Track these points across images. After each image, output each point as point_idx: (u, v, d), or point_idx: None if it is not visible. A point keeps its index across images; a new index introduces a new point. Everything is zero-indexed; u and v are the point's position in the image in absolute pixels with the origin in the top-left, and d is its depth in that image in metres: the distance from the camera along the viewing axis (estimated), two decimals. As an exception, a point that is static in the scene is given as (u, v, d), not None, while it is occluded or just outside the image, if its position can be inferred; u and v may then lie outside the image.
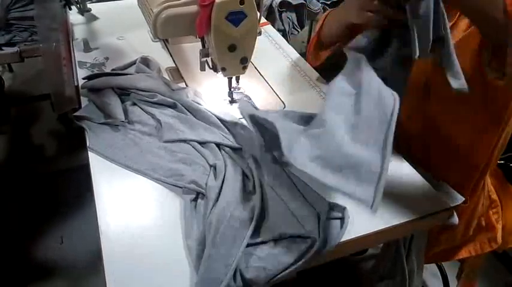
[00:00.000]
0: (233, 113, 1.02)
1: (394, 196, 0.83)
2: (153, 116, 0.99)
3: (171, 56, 1.29)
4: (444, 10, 0.69)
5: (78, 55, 1.28)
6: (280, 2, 2.02)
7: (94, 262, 1.62)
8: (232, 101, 1.08)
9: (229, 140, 0.93)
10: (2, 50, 1.59)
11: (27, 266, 1.64)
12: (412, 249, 0.98)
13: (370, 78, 0.71)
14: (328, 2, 2.13)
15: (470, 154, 0.94)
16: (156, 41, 1.35)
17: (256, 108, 1.05)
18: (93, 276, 1.60)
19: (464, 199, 0.82)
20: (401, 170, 0.90)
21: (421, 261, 1.02)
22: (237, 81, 1.06)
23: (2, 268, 1.54)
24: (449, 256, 1.09)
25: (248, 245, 0.71)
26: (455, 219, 0.85)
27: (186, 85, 1.14)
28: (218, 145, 0.91)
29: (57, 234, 1.77)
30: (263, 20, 1.63)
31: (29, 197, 1.94)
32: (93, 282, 1.59)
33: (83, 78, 1.12)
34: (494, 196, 1.01)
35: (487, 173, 0.97)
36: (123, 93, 1.06)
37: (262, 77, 1.21)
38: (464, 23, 0.86)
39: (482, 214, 1.01)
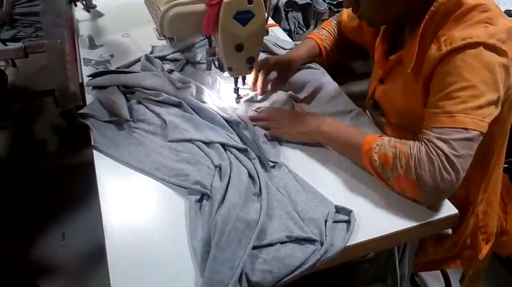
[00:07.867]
0: (239, 111, 1.01)
1: (403, 201, 0.82)
2: (158, 115, 0.98)
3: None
4: None
5: (83, 52, 1.27)
6: (286, 2, 2.00)
7: (96, 259, 1.62)
8: (238, 100, 1.07)
9: (235, 141, 0.92)
10: (6, 45, 1.58)
11: (29, 262, 1.64)
12: (406, 253, 0.99)
13: None
14: (334, 2, 2.11)
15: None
16: (162, 39, 1.34)
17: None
18: (95, 273, 1.59)
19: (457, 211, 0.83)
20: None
21: (411, 267, 1.03)
22: (243, 81, 1.05)
23: (3, 264, 1.53)
24: (434, 267, 1.13)
25: (254, 248, 0.70)
26: (449, 229, 0.87)
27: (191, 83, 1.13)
28: (223, 145, 0.90)
29: (59, 231, 1.77)
30: (271, 21, 1.62)
31: (30, 194, 1.94)
32: (95, 279, 1.58)
33: (88, 76, 1.12)
34: (487, 220, 1.04)
35: (477, 201, 1.01)
36: (128, 91, 1.05)
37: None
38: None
39: (469, 235, 1.04)
